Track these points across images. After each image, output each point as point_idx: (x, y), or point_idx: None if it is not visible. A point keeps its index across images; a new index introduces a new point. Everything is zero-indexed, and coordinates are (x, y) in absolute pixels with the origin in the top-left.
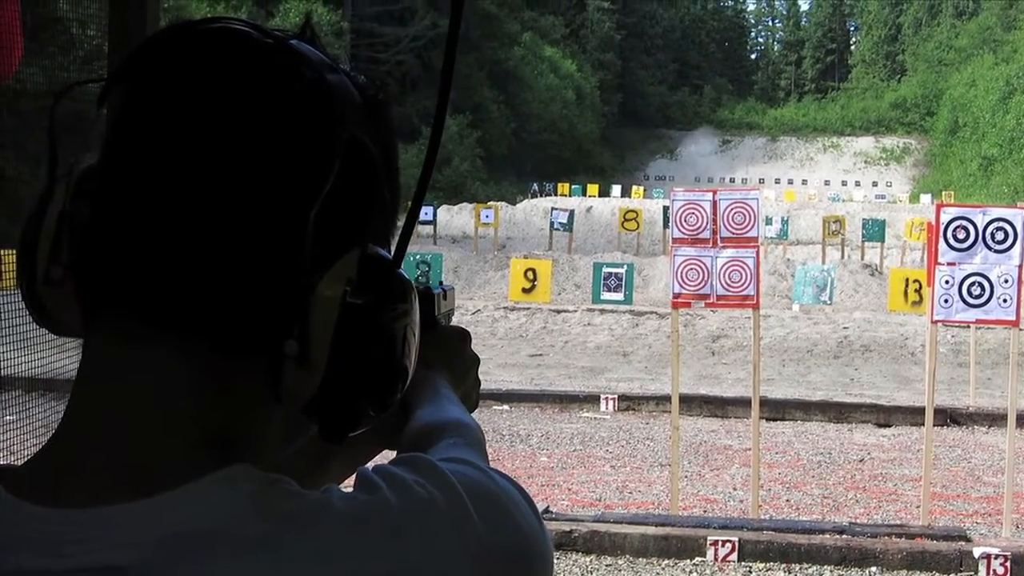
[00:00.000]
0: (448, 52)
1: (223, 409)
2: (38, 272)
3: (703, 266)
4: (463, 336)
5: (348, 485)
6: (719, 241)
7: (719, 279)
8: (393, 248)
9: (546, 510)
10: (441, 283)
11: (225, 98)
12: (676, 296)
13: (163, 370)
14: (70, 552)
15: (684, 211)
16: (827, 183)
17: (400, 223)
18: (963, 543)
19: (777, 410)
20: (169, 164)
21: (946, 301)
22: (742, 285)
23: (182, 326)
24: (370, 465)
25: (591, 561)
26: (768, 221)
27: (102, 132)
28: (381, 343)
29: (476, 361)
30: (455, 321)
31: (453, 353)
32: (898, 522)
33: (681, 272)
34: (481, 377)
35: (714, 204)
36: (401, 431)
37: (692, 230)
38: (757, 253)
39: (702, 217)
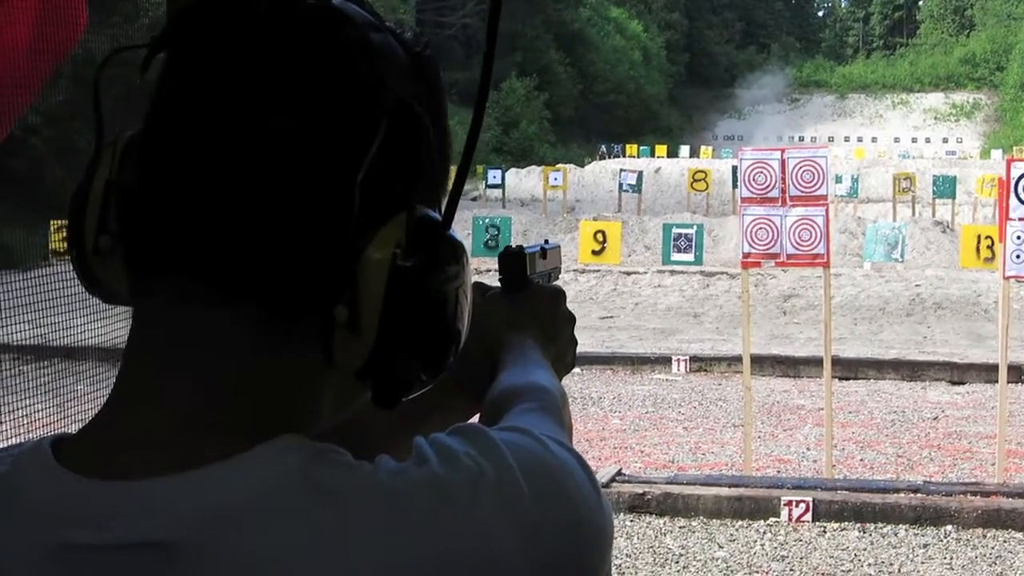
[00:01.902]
0: (491, 21)
1: (279, 375)
2: (87, 242)
3: (773, 225)
4: (556, 294)
5: None
6: (788, 200)
7: (789, 238)
8: (443, 209)
9: (619, 472)
10: (546, 241)
11: (267, 60)
12: (746, 256)
13: (214, 339)
14: (114, 526)
15: (752, 170)
16: (897, 140)
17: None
18: None
19: (850, 369)
20: (212, 128)
21: (1018, 256)
22: (812, 243)
23: (235, 288)
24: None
25: (665, 523)
26: (838, 179)
27: (146, 97)
28: (431, 306)
29: (571, 320)
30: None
31: (545, 312)
32: (973, 480)
33: (750, 231)
34: None
35: (783, 162)
36: None
37: (761, 189)
38: (827, 211)
39: (771, 176)
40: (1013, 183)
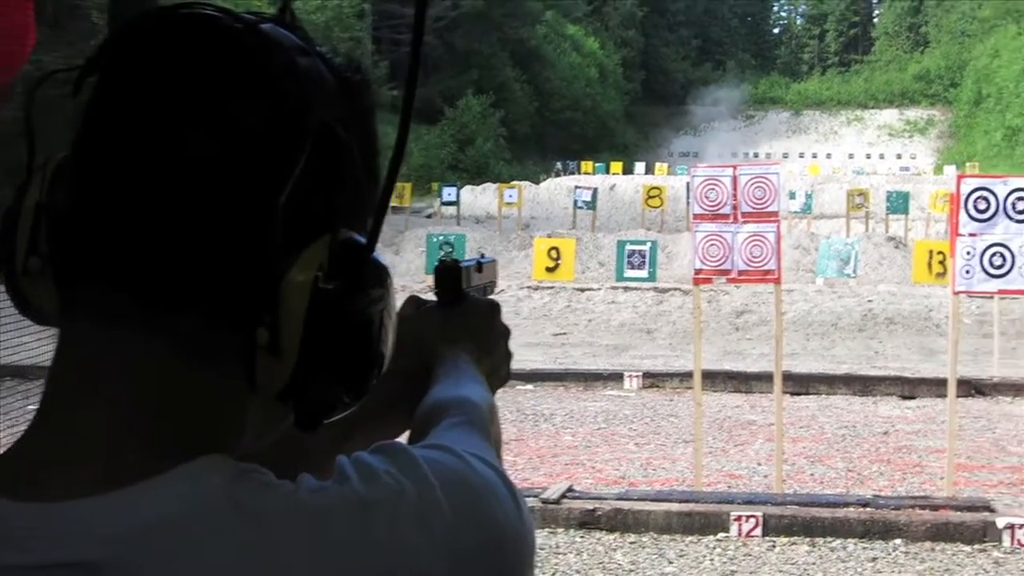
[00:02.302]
0: (415, 39)
1: (197, 396)
2: (17, 263)
3: (724, 241)
4: (492, 308)
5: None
6: (740, 216)
7: (740, 254)
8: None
9: (569, 489)
10: (482, 255)
11: (191, 85)
12: (697, 272)
13: (137, 359)
14: (41, 547)
15: (704, 186)
16: (851, 156)
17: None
18: (987, 513)
19: (801, 384)
20: (137, 151)
21: (967, 272)
22: (763, 260)
23: (154, 309)
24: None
25: (615, 539)
26: (792, 195)
27: (77, 120)
28: (353, 329)
29: (506, 333)
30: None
31: (480, 326)
32: (922, 494)
33: (702, 248)
34: None
35: (734, 179)
36: None
37: (713, 206)
38: (778, 228)
39: (723, 192)
40: (963, 199)
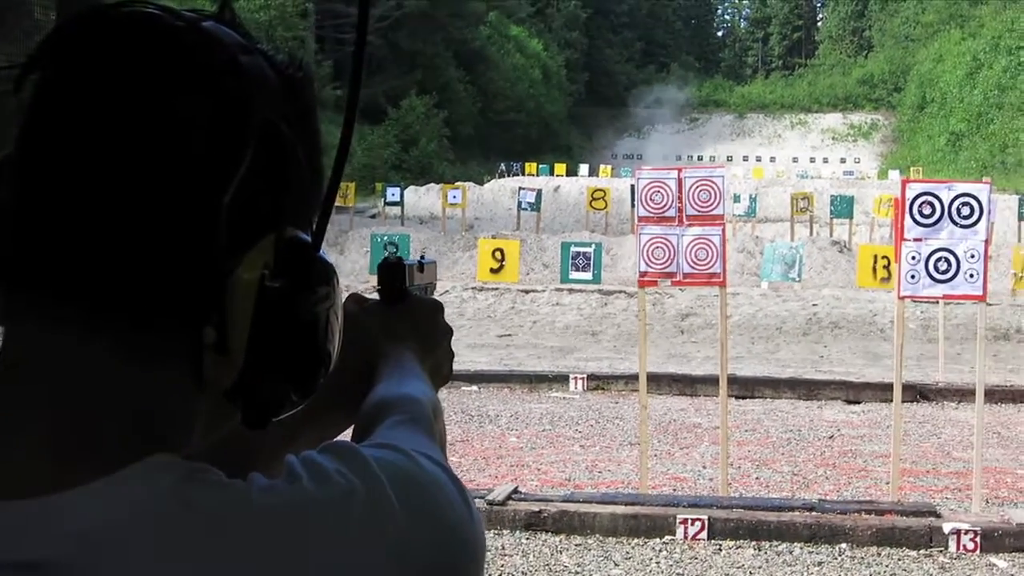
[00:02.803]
0: (359, 38)
1: (146, 397)
2: None
3: (669, 244)
4: (434, 307)
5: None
6: (685, 219)
7: (685, 257)
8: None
9: (515, 490)
10: (423, 256)
11: (132, 83)
12: (642, 275)
13: (82, 361)
14: None
15: (650, 189)
16: (795, 160)
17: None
18: (933, 519)
19: (746, 388)
20: (82, 152)
21: (913, 277)
22: (708, 263)
23: (103, 311)
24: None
25: (560, 541)
26: (736, 199)
27: (17, 119)
28: (300, 327)
29: (448, 332)
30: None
31: (423, 324)
32: (868, 498)
33: (647, 251)
34: None
35: (679, 182)
36: None
37: (658, 208)
38: (723, 231)
39: (668, 195)
40: (908, 204)
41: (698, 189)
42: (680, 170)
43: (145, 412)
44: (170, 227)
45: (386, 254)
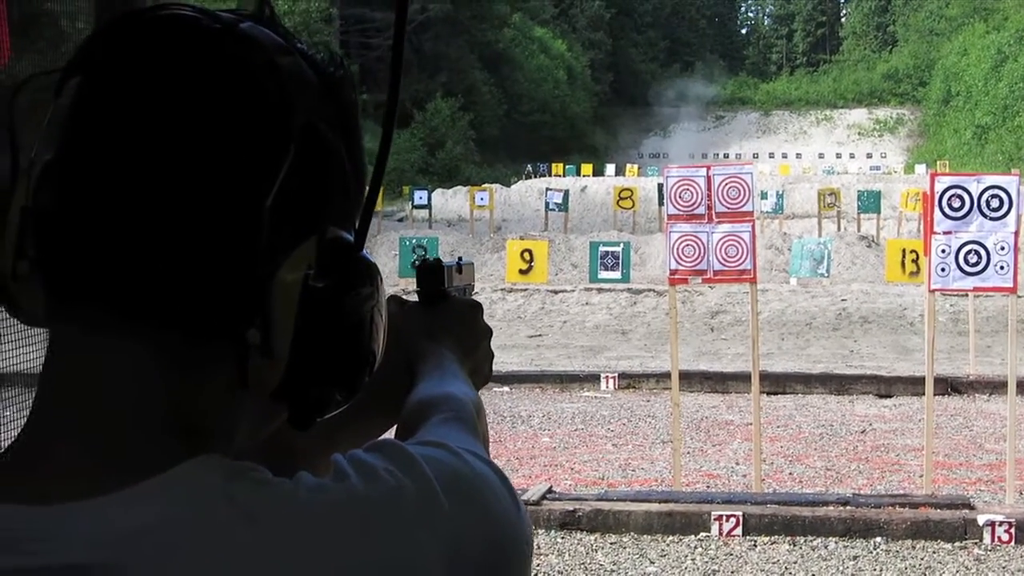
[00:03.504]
0: (396, 45)
1: (192, 398)
2: (6, 267)
3: (699, 242)
4: (474, 308)
5: None
6: (714, 216)
7: (715, 254)
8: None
9: (549, 490)
10: (460, 258)
11: (172, 88)
12: (673, 273)
13: (130, 360)
14: (36, 550)
15: (678, 187)
16: (821, 156)
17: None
18: (967, 511)
19: (778, 384)
20: (123, 156)
21: (943, 270)
22: (739, 260)
23: (147, 314)
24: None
25: (596, 539)
26: (763, 195)
27: (59, 123)
28: (345, 327)
29: (488, 333)
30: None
31: (462, 325)
32: (901, 492)
33: (677, 248)
34: None
35: (708, 179)
36: None
37: (687, 206)
38: (753, 227)
39: (697, 193)
40: (937, 197)
41: (727, 186)
42: (709, 167)
43: (190, 414)
44: (213, 230)
45: (423, 257)
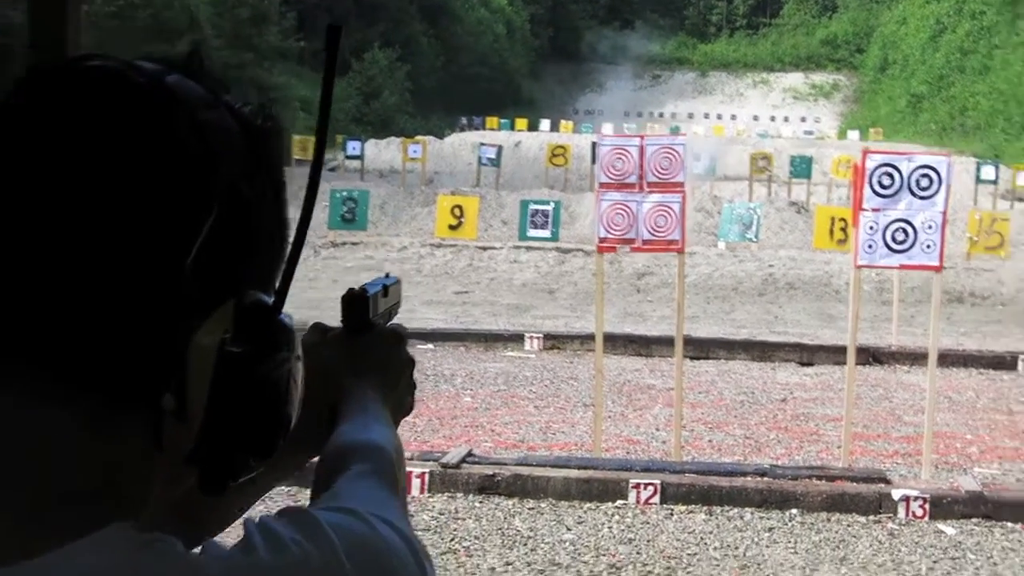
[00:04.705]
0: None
1: (104, 464)
2: None
3: (629, 211)
4: (397, 338)
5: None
6: (645, 186)
7: (645, 224)
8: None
9: (469, 454)
10: (387, 275)
11: (93, 143)
12: (602, 240)
13: (42, 423)
14: None
15: (611, 156)
16: (756, 119)
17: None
18: (883, 485)
19: (701, 349)
20: (40, 210)
21: (870, 247)
22: (668, 230)
23: (66, 377)
24: (257, 515)
25: (514, 504)
26: (696, 158)
27: None
28: (260, 393)
29: (411, 363)
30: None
31: (386, 357)
32: (819, 463)
33: (607, 217)
34: (406, 315)
35: (641, 149)
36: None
37: (619, 175)
38: (683, 198)
39: (629, 162)
40: (868, 174)
41: (659, 157)
42: (642, 137)
43: (102, 479)
44: (130, 291)
45: (350, 288)
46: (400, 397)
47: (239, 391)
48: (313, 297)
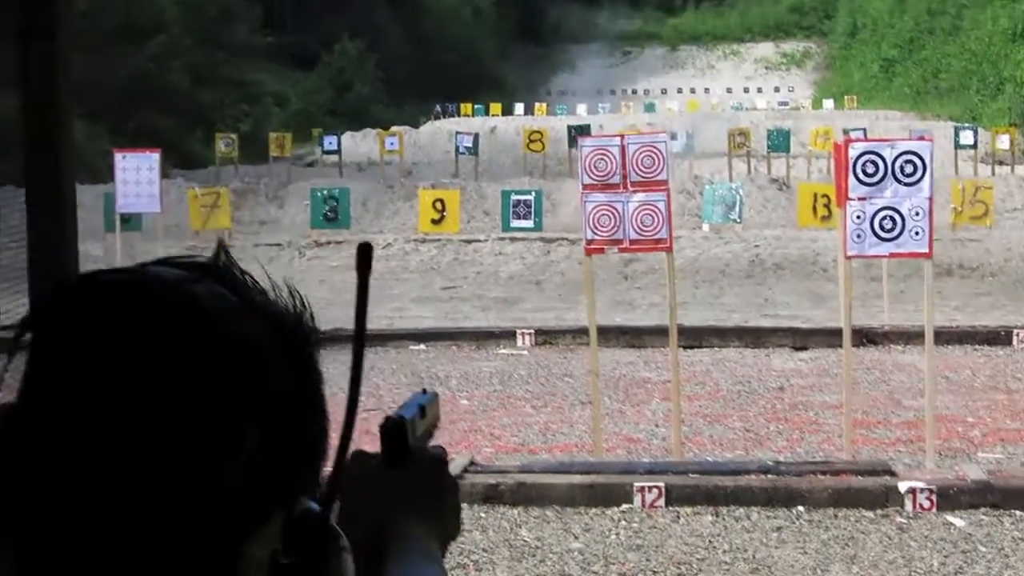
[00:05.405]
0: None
1: None
2: None
3: (615, 211)
4: (440, 464)
5: None
6: (629, 186)
7: (631, 224)
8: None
9: (471, 463)
10: (424, 391)
11: (124, 365)
12: (589, 243)
13: None
14: None
15: (593, 157)
16: (729, 91)
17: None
18: (888, 477)
19: (694, 337)
20: (80, 426)
21: (859, 236)
22: (654, 228)
23: None
24: None
25: (519, 513)
26: (673, 136)
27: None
28: None
29: (455, 488)
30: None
31: (430, 486)
32: (821, 454)
33: (593, 218)
34: (396, 314)
35: (623, 149)
36: None
37: (602, 175)
38: (668, 196)
39: (611, 162)
40: (852, 163)
41: (641, 155)
42: (623, 137)
43: None
44: (175, 505)
45: (387, 416)
46: (446, 524)
47: None
48: None
